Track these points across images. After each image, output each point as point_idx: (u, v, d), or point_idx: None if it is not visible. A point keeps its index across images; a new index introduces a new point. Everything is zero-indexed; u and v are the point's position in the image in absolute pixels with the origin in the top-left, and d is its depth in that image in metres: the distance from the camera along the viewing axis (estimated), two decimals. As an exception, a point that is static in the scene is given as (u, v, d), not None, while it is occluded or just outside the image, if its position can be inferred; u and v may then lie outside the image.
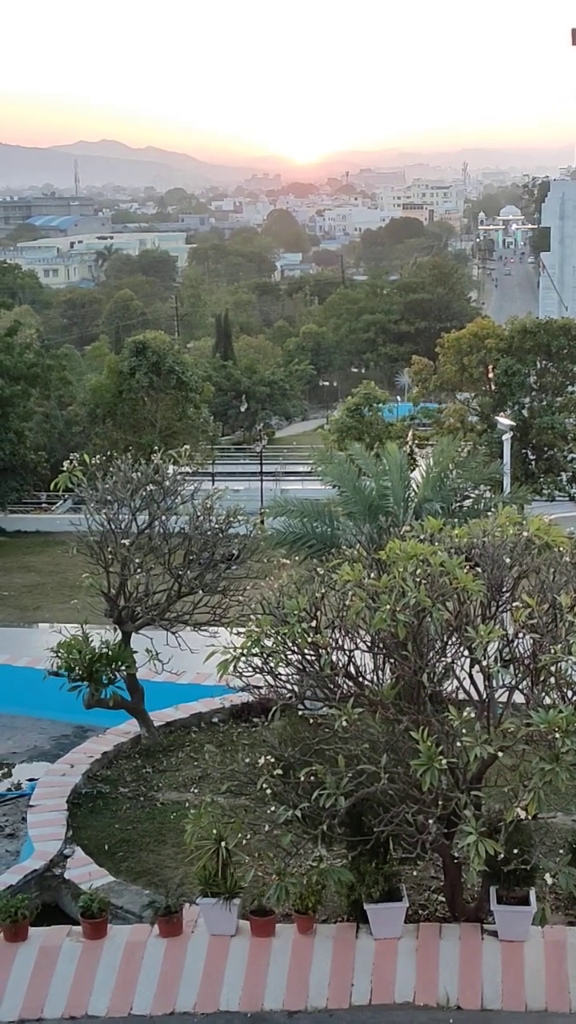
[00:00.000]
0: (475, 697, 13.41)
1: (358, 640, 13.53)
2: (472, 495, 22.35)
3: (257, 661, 13.56)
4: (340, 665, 13.39)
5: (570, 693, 12.78)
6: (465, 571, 12.87)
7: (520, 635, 13.06)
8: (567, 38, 75.58)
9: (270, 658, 13.49)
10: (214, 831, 13.91)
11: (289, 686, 13.79)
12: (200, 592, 19.61)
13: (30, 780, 19.56)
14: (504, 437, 34.33)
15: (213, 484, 37.62)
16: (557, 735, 11.78)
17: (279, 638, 13.35)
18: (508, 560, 13.46)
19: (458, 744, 12.53)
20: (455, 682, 13.72)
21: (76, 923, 14.52)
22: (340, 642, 13.43)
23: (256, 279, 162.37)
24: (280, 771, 13.10)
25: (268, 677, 13.72)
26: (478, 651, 12.64)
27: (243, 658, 13.46)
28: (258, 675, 13.75)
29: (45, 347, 59.41)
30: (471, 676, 13.53)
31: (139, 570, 19.37)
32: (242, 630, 13.90)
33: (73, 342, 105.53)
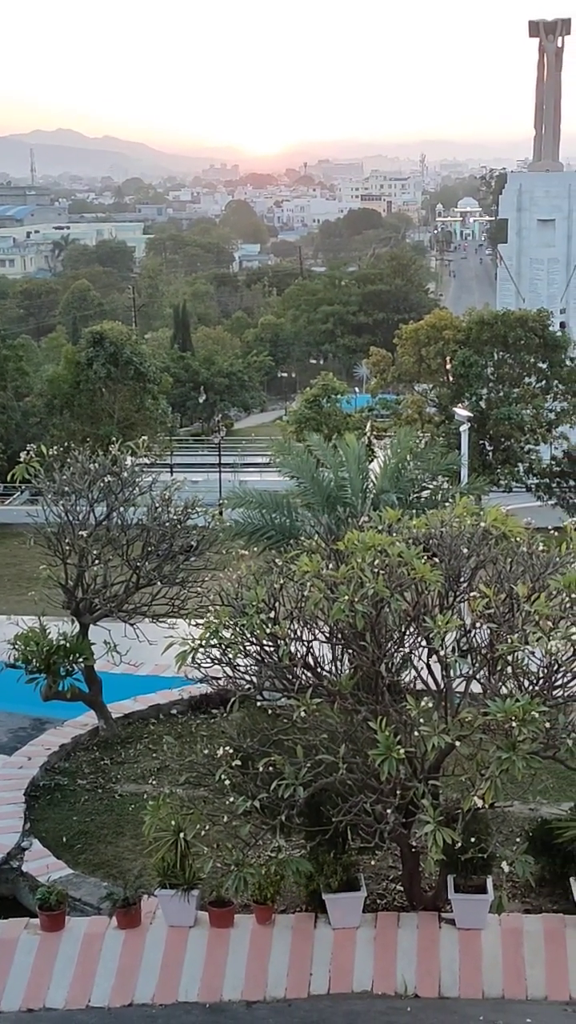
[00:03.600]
0: (433, 687, 13.48)
1: (316, 631, 13.56)
2: (430, 486, 22.42)
3: (216, 652, 13.57)
4: (299, 656, 13.42)
5: (527, 682, 12.86)
6: (423, 561, 12.91)
7: (478, 625, 13.12)
8: (524, 30, 75.52)
9: (228, 649, 13.50)
10: (172, 822, 13.93)
11: (248, 677, 13.80)
12: (158, 583, 19.56)
13: (-13, 773, 19.42)
14: (462, 428, 34.43)
15: (171, 475, 37.53)
16: (514, 724, 11.86)
17: (237, 629, 13.36)
18: (466, 550, 13.53)
19: (416, 734, 12.59)
20: (413, 672, 13.77)
21: (34, 915, 14.49)
22: (299, 633, 13.45)
23: (214, 270, 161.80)
24: (239, 762, 13.10)
25: (227, 668, 13.74)
26: (436, 641, 12.70)
27: (201, 649, 13.47)
28: (217, 666, 13.76)
29: (1, 338, 59.01)
30: (429, 666, 13.60)
31: (97, 562, 19.31)
32: (200, 621, 13.90)
33: (30, 333, 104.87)
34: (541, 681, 12.85)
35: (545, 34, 74.65)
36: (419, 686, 13.66)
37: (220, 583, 14.66)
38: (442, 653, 13.03)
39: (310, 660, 13.57)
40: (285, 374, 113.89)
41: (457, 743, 12.45)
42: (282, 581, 13.59)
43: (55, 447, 19.45)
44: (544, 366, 44.26)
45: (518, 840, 15.34)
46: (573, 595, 12.76)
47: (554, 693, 12.84)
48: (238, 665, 13.75)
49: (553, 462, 44.54)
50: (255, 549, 19.80)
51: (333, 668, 13.79)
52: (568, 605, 12.75)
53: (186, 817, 14.01)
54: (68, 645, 18.57)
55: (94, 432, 48.80)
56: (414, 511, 18.15)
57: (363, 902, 13.97)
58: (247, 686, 13.81)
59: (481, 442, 42.61)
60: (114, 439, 20.30)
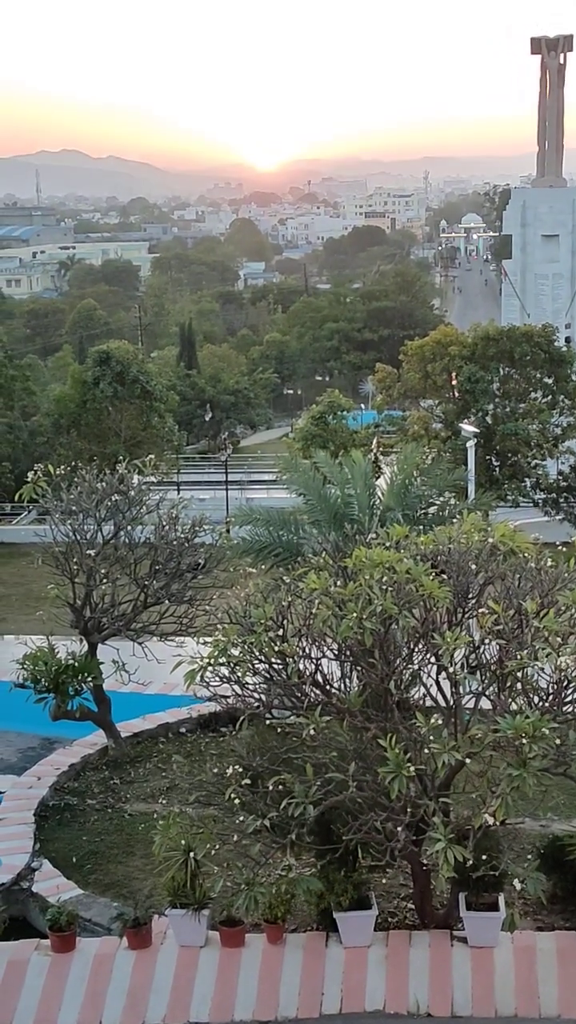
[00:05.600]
0: (442, 704, 13.43)
1: (325, 648, 13.52)
2: (437, 502, 22.36)
3: (224, 670, 13.53)
4: (307, 673, 13.37)
5: (536, 699, 12.82)
6: (431, 578, 12.89)
7: (486, 641, 13.08)
8: (527, 47, 75.97)
9: (237, 667, 13.46)
10: (182, 842, 13.88)
11: (256, 695, 13.76)
12: (166, 602, 19.57)
13: (-4, 793, 19.39)
14: (468, 444, 34.44)
15: (178, 493, 37.58)
16: (524, 741, 11.81)
17: (246, 647, 13.32)
18: (474, 566, 13.49)
19: (426, 751, 12.55)
20: (422, 689, 13.73)
21: (44, 936, 14.44)
22: (307, 650, 13.41)
23: (219, 288, 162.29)
24: (248, 781, 13.07)
25: (235, 686, 13.69)
26: (445, 658, 12.66)
27: (210, 668, 13.43)
28: (225, 684, 13.72)
29: (8, 358, 59.20)
30: (438, 683, 13.55)
31: (105, 580, 19.30)
32: (209, 639, 13.87)
33: (36, 352, 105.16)
34: (551, 697, 12.80)
35: (547, 51, 75.12)
36: (428, 703, 13.62)
37: (228, 601, 14.64)
38: (451, 670, 12.99)
39: (319, 678, 13.54)
40: (291, 391, 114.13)
41: (467, 760, 12.40)
42: (290, 598, 13.57)
43: (62, 466, 19.48)
44: (550, 381, 44.29)
45: (529, 857, 15.28)
46: (582, 610, 12.72)
47: (564, 709, 12.78)
48: (247, 683, 13.70)
49: (560, 477, 44.54)
50: (263, 567, 19.77)
51: (342, 685, 13.75)
52: (577, 620, 12.71)
53: (196, 836, 13.97)
54: (76, 664, 18.56)
55: (101, 451, 48.91)
56: (421, 527, 18.17)
57: (374, 920, 13.91)
58: (256, 704, 13.77)
59: (488, 457, 42.63)
60: (121, 458, 20.37)
